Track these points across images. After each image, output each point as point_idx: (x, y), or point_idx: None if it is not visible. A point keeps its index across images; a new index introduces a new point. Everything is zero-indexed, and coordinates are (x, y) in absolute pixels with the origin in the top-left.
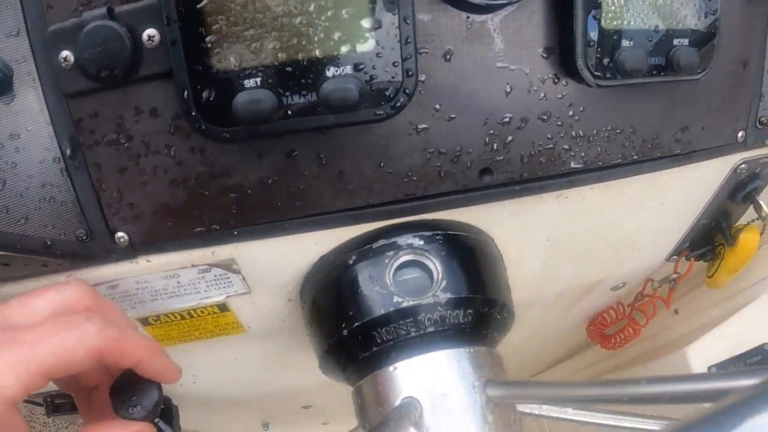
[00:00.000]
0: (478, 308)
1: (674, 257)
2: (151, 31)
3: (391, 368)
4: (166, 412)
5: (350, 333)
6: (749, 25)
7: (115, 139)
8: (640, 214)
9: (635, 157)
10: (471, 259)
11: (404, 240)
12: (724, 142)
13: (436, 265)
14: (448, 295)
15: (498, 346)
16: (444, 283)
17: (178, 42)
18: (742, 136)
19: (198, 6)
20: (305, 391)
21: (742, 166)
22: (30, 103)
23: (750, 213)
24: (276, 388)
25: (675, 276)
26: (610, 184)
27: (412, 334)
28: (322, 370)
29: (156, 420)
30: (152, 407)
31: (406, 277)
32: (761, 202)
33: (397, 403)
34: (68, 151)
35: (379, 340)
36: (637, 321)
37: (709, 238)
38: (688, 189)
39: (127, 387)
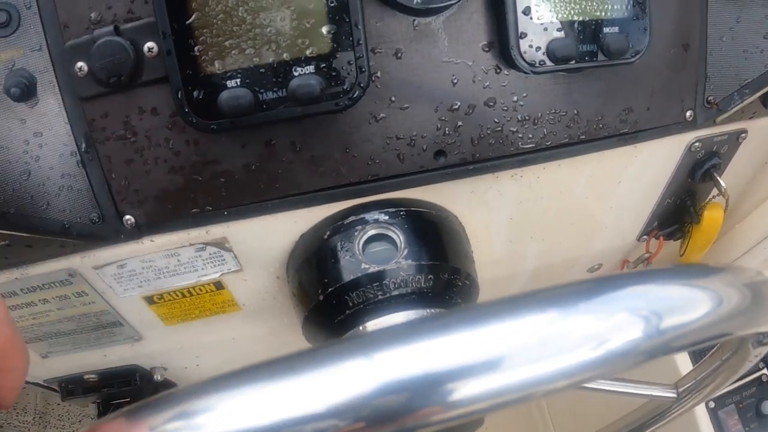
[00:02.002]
0: (438, 274)
1: (644, 237)
2: (150, 44)
3: (361, 327)
4: None
5: (326, 298)
6: (687, 10)
7: (122, 135)
8: (600, 193)
9: (582, 137)
10: (432, 232)
11: (371, 216)
12: (672, 122)
13: (399, 237)
14: (410, 262)
15: None
16: (406, 252)
17: (173, 52)
18: (690, 116)
19: (187, 22)
20: None
21: (696, 144)
22: (51, 106)
23: (716, 190)
24: None
25: (647, 255)
26: (562, 164)
27: (379, 297)
28: (305, 337)
29: None
30: None
31: (374, 249)
32: (720, 179)
33: None
34: (83, 146)
35: (351, 304)
36: None
37: (677, 217)
38: (643, 168)
39: None
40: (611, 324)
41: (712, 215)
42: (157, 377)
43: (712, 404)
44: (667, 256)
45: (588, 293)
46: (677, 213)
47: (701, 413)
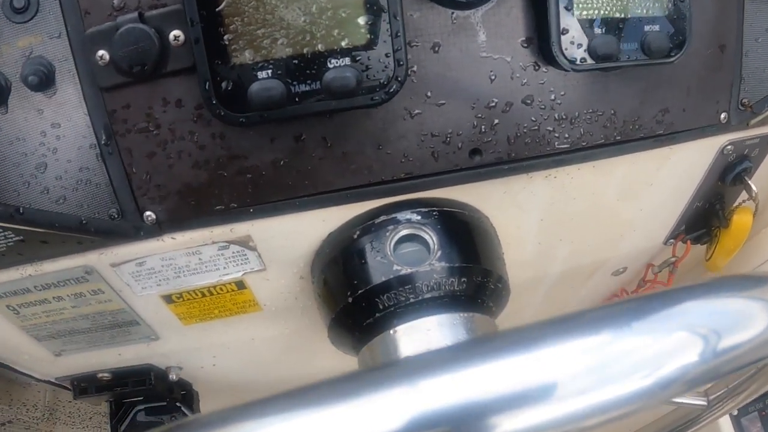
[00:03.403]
0: (471, 277)
1: (671, 240)
2: (176, 32)
3: (391, 331)
4: (187, 397)
5: (355, 300)
6: (723, 11)
7: (144, 127)
8: (631, 195)
9: (618, 138)
10: (465, 233)
11: (403, 216)
12: (707, 124)
13: (432, 238)
14: (443, 264)
15: (496, 317)
16: (439, 254)
17: (201, 40)
18: (725, 118)
19: (217, 9)
20: (320, 375)
21: (729, 147)
22: (70, 96)
23: (745, 194)
24: (292, 373)
25: (673, 259)
26: (596, 165)
27: (411, 300)
28: (330, 340)
29: (177, 404)
30: None
31: (406, 250)
32: (751, 183)
33: None
34: (103, 139)
35: (381, 307)
36: None
37: (705, 221)
38: (676, 170)
39: None
40: (672, 347)
41: (741, 220)
42: (172, 377)
43: (735, 412)
44: (691, 260)
45: (643, 312)
46: (705, 217)
47: (724, 421)
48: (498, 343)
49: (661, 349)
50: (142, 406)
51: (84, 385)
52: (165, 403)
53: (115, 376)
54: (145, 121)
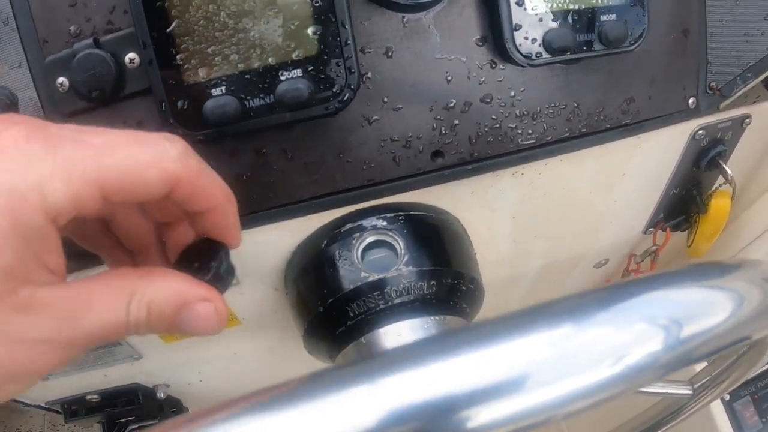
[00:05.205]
0: (441, 280)
1: (651, 229)
2: (131, 55)
3: (363, 339)
4: (177, 414)
5: (325, 309)
6: None
7: None
8: (604, 186)
9: (584, 130)
10: (432, 236)
11: (369, 222)
12: (675, 110)
13: (399, 243)
14: (411, 269)
15: (472, 317)
16: (407, 258)
17: (154, 62)
18: (693, 103)
19: (167, 30)
20: None
21: (700, 132)
22: None
23: (722, 178)
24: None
25: (654, 248)
26: (564, 158)
27: (381, 306)
28: (307, 350)
29: None
30: (222, 270)
31: (373, 257)
32: (726, 167)
33: None
34: None
35: (351, 314)
36: None
37: (683, 208)
38: (648, 159)
39: (193, 253)
40: (633, 337)
41: (719, 204)
42: (160, 395)
43: (727, 397)
44: (673, 247)
45: (605, 303)
46: (683, 203)
47: (717, 407)
48: (460, 339)
49: (624, 339)
50: (134, 426)
51: (74, 408)
52: (156, 421)
53: (104, 397)
54: None
